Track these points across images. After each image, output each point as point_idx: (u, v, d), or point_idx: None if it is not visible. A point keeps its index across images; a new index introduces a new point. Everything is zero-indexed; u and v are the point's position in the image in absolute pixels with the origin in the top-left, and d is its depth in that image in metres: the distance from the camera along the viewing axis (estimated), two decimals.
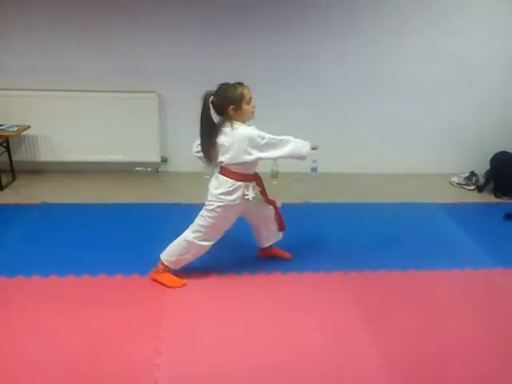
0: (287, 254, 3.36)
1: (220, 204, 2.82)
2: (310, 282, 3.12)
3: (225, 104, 2.70)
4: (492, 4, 4.61)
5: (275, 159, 2.89)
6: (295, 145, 2.82)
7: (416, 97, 4.84)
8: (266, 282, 3.11)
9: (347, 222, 3.96)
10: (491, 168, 4.79)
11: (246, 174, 2.84)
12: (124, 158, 4.72)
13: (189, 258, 2.97)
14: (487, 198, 4.67)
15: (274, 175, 4.73)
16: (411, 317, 2.81)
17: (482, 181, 4.82)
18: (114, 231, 3.65)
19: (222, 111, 2.74)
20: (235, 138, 2.70)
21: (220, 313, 2.78)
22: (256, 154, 2.73)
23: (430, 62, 4.74)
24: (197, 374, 2.30)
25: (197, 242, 2.90)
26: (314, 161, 4.81)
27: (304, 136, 4.74)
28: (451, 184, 4.91)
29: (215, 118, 2.77)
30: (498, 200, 4.62)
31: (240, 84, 2.73)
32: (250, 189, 2.87)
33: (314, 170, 4.83)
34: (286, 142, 2.79)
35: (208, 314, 2.76)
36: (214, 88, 2.74)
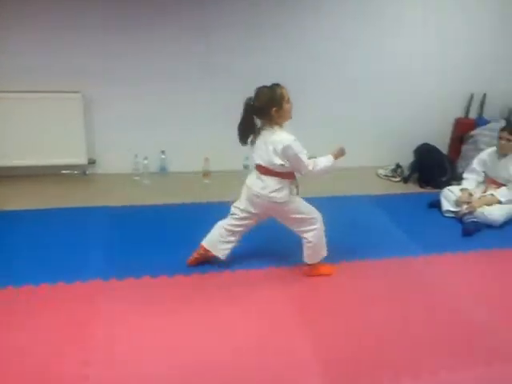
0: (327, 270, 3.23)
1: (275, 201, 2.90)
2: (242, 280, 3.12)
3: (267, 106, 2.75)
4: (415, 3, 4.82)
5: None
6: (322, 165, 2.92)
7: (342, 92, 4.94)
8: (201, 282, 3.08)
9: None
10: (415, 159, 5.01)
11: (289, 173, 2.90)
12: (49, 161, 4.48)
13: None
14: (412, 188, 4.87)
15: (206, 174, 4.69)
16: (344, 310, 2.89)
17: (406, 172, 5.03)
18: (38, 240, 3.47)
19: (264, 113, 2.79)
20: (273, 141, 2.78)
21: (152, 315, 2.72)
22: (285, 163, 2.80)
23: (354, 58, 4.86)
24: (127, 378, 2.25)
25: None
26: (246, 157, 4.81)
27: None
28: (378, 176, 5.08)
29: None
30: (422, 190, 4.83)
31: (277, 85, 2.78)
32: (294, 187, 2.95)
33: (246, 167, 4.84)
34: (315, 164, 2.88)
35: (138, 318, 2.69)
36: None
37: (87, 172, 4.71)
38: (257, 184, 2.93)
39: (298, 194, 2.99)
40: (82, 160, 4.57)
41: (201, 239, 3.42)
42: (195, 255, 3.20)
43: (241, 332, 2.63)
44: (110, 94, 4.42)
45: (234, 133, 4.72)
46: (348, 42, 4.79)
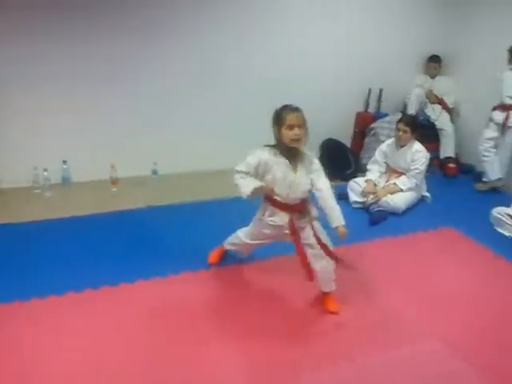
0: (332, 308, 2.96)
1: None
2: (158, 288, 3.04)
3: (272, 122, 2.70)
4: (313, 4, 4.95)
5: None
6: (241, 184, 2.69)
7: (248, 93, 4.94)
8: (111, 293, 2.96)
9: (191, 222, 3.93)
10: (321, 154, 5.16)
11: (269, 197, 2.78)
12: None
13: None
14: None
15: (114, 181, 4.52)
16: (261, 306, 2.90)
17: None
18: None
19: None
20: None
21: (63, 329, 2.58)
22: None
23: (262, 57, 4.90)
24: None
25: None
26: (155, 163, 4.71)
27: (144, 139, 4.67)
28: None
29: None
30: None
31: (288, 107, 2.67)
32: (276, 215, 2.79)
33: (154, 172, 4.73)
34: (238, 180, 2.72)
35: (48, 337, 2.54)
36: None
37: None
38: None
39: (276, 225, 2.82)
40: None
41: (109, 251, 3.31)
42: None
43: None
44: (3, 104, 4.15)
45: (140, 137, 4.65)
46: (251, 43, 4.83)
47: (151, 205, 4.21)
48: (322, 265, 2.83)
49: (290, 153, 2.70)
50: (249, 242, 3.04)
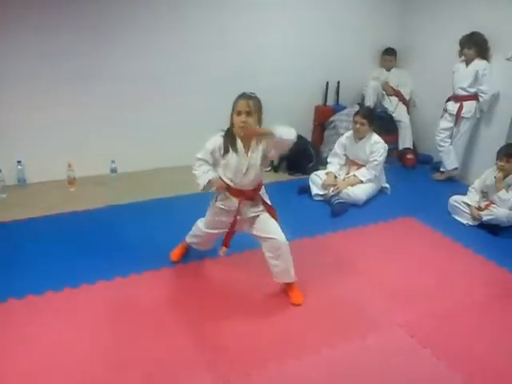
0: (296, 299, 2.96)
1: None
2: (121, 288, 2.98)
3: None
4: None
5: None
6: (197, 175, 2.78)
7: (205, 89, 4.89)
8: (72, 295, 2.89)
9: (153, 220, 3.87)
10: None
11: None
12: None
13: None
14: (282, 176, 5.02)
15: (71, 181, 4.39)
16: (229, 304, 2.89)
17: (276, 162, 5.16)
18: None
19: None
20: None
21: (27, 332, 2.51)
22: None
23: (220, 52, 4.85)
24: None
25: None
26: (113, 161, 4.62)
27: (101, 137, 4.57)
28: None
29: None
30: (291, 177, 5.00)
31: (243, 94, 2.69)
32: (226, 200, 2.84)
33: (113, 171, 4.64)
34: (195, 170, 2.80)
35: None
36: None
37: None
38: None
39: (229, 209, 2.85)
40: None
41: (69, 253, 3.23)
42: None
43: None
44: None
45: (98, 135, 4.54)
46: (209, 38, 4.77)
47: (110, 204, 4.12)
48: (278, 258, 2.83)
49: (244, 137, 2.71)
50: (207, 230, 3.02)
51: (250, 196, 2.82)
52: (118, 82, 4.51)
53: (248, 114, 2.60)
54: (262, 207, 2.89)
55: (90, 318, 2.70)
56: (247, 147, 2.73)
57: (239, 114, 2.61)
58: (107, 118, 4.56)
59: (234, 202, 2.81)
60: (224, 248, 2.91)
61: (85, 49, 4.30)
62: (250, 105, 2.61)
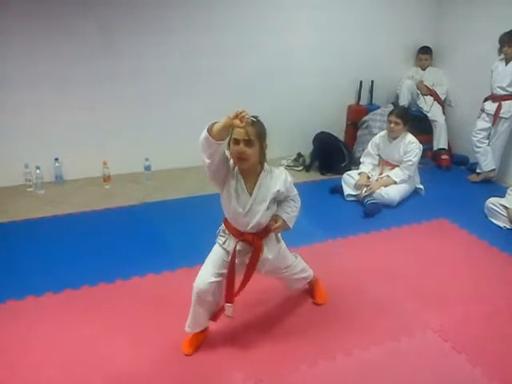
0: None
1: None
2: (153, 284, 3.03)
3: None
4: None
5: None
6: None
7: (237, 88, 4.93)
8: (108, 290, 2.94)
9: (186, 217, 3.92)
10: (314, 148, 5.15)
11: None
12: None
13: None
14: (314, 176, 5.00)
15: (106, 178, 4.48)
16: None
17: (308, 161, 5.16)
18: None
19: None
20: None
21: (62, 326, 2.57)
22: None
23: (248, 53, 4.88)
24: None
25: None
26: (147, 159, 4.68)
27: (136, 135, 4.64)
28: (282, 166, 5.15)
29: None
30: (323, 177, 4.98)
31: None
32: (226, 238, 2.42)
33: (147, 168, 4.70)
34: None
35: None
36: None
37: None
38: None
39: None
40: None
41: (105, 249, 3.30)
42: None
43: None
44: None
45: (132, 133, 4.62)
46: (246, 37, 4.81)
47: (145, 201, 4.19)
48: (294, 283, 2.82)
49: (245, 170, 2.26)
50: (204, 280, 2.38)
51: (248, 240, 2.35)
52: (151, 82, 4.59)
53: (247, 143, 2.13)
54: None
55: (122, 313, 2.75)
56: (252, 183, 2.28)
57: (236, 142, 2.14)
58: (141, 117, 4.65)
59: (231, 241, 2.39)
60: (229, 305, 2.39)
61: (122, 49, 4.38)
62: (249, 132, 2.12)
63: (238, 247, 2.36)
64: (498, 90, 4.53)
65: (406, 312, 2.85)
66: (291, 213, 2.43)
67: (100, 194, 4.30)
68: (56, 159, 4.44)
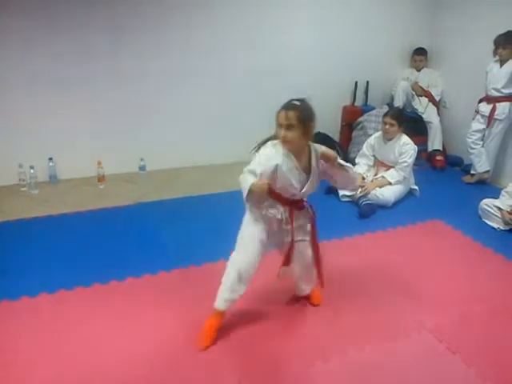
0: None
1: None
2: (149, 285, 3.01)
3: None
4: None
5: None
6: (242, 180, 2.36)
7: (233, 89, 4.94)
8: (102, 291, 2.93)
9: (181, 218, 3.91)
10: None
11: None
12: None
13: None
14: None
15: (101, 178, 4.46)
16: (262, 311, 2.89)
17: None
18: None
19: None
20: None
21: (56, 327, 2.57)
22: None
23: (244, 52, 4.88)
24: None
25: None
26: (142, 159, 4.67)
27: (130, 135, 4.62)
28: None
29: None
30: None
31: (285, 103, 2.36)
32: (274, 208, 2.50)
33: (142, 168, 4.69)
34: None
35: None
36: None
37: None
38: None
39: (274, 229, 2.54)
40: None
41: (99, 249, 3.28)
42: None
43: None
44: None
45: (127, 133, 4.61)
46: (243, 36, 4.81)
47: (140, 201, 4.17)
48: (309, 283, 2.82)
49: (293, 151, 2.40)
50: (250, 259, 2.51)
51: (300, 206, 2.57)
52: (146, 81, 4.57)
53: (288, 127, 2.30)
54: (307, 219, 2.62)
55: (118, 314, 2.74)
56: (302, 160, 2.44)
57: (280, 126, 2.34)
58: (136, 116, 4.63)
59: (282, 210, 2.50)
60: (284, 267, 2.61)
61: (113, 48, 4.37)
62: (289, 117, 2.30)
63: (283, 215, 2.50)
64: (493, 91, 4.55)
65: (402, 312, 2.86)
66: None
67: (94, 194, 4.29)
68: (50, 159, 4.42)
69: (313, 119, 2.38)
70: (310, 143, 2.45)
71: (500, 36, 4.41)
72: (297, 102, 2.35)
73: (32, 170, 4.28)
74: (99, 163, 4.43)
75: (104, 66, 4.38)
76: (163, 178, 4.71)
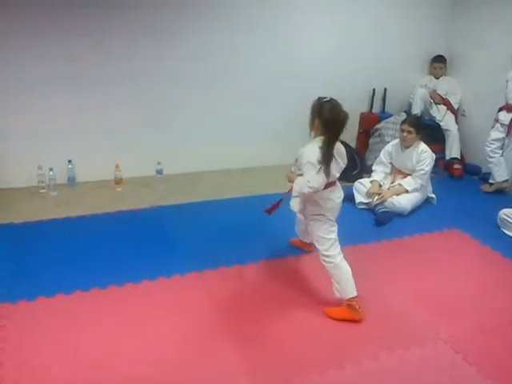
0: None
1: None
2: (164, 288, 3.03)
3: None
4: (315, 4, 4.92)
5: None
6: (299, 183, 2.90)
7: (250, 93, 4.95)
8: (118, 293, 2.95)
9: (197, 222, 3.93)
10: None
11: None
12: None
13: None
14: None
15: (118, 181, 4.51)
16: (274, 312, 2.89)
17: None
18: None
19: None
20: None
21: (72, 328, 2.58)
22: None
23: (261, 58, 4.89)
24: None
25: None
26: (159, 163, 4.70)
27: (148, 139, 4.66)
28: (292, 173, 5.13)
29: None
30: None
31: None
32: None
33: (159, 172, 4.72)
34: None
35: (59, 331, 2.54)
36: None
37: None
38: None
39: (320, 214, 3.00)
40: None
41: (116, 252, 3.31)
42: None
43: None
44: (4, 104, 4.16)
45: (145, 137, 4.65)
46: (260, 43, 4.83)
47: (156, 205, 4.20)
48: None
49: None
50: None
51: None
52: (166, 85, 4.61)
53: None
54: None
55: (133, 316, 2.75)
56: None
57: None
58: (155, 120, 4.67)
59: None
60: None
61: (131, 51, 4.41)
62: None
63: None
64: None
65: (417, 322, 2.83)
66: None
67: (112, 197, 4.32)
68: (69, 161, 4.47)
69: (316, 115, 2.80)
70: (321, 138, 2.76)
71: None
72: (317, 99, 2.87)
73: (51, 172, 4.34)
74: (117, 166, 4.48)
75: (124, 69, 4.42)
76: (180, 181, 4.73)
